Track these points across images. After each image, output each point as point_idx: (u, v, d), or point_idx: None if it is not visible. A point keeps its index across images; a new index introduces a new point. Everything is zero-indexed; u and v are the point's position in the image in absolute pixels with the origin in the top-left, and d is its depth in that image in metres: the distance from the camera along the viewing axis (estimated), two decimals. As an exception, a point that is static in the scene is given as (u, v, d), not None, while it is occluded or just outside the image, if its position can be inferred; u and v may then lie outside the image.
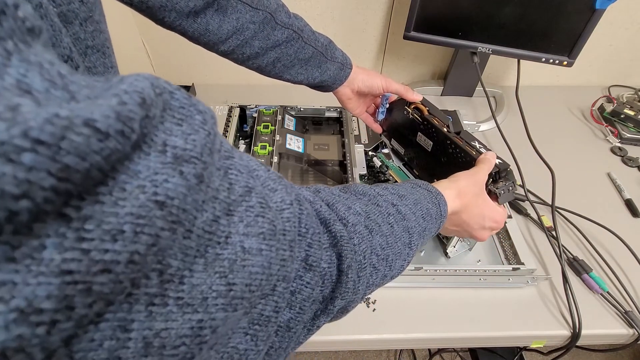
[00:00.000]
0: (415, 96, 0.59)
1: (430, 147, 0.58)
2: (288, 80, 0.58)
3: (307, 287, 0.23)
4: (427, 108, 0.58)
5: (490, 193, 0.51)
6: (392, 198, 0.33)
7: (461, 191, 0.42)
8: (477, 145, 0.52)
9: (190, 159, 0.15)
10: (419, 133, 0.60)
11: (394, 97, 0.63)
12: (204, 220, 0.16)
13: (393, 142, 0.68)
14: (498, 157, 0.50)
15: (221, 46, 0.51)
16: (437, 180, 0.59)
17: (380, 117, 0.68)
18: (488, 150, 0.51)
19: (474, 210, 0.43)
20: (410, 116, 0.60)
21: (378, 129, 0.67)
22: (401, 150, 0.66)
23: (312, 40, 0.55)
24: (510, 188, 0.50)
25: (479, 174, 0.46)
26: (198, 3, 0.46)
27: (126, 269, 0.13)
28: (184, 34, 0.50)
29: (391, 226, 0.30)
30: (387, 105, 0.65)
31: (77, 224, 0.12)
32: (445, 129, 0.54)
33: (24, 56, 0.12)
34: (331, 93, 0.62)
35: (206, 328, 0.16)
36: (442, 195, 0.38)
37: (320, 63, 0.57)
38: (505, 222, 0.65)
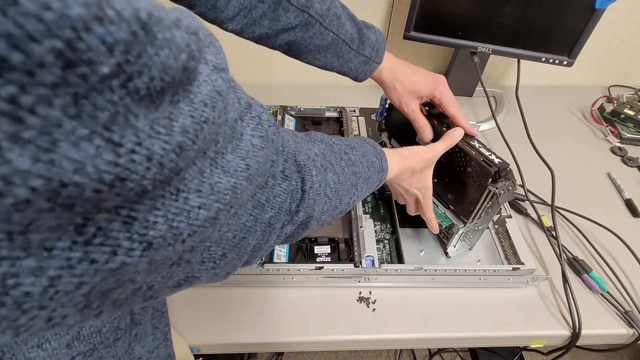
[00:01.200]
0: (474, 130, 0.54)
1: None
2: (310, 64, 0.55)
3: (283, 193, 0.28)
4: (426, 108, 0.58)
5: (489, 193, 0.51)
6: (344, 147, 0.39)
7: (401, 155, 0.48)
8: (477, 145, 0.52)
9: (222, 69, 0.21)
10: None
11: None
12: (231, 116, 0.22)
13: (393, 142, 0.67)
14: (498, 157, 0.50)
15: (229, 24, 0.49)
16: (438, 181, 0.59)
17: (380, 117, 0.68)
18: (488, 149, 0.51)
19: (405, 179, 0.50)
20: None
21: (428, 136, 0.56)
22: None
23: (334, 27, 0.51)
24: (510, 188, 0.50)
25: (430, 150, 0.50)
26: None
27: (206, 134, 0.18)
28: (191, 7, 0.48)
29: (342, 168, 0.36)
30: (387, 105, 0.65)
31: (187, 90, 0.18)
32: (444, 129, 0.54)
33: None
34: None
35: (237, 189, 0.22)
36: (384, 153, 0.44)
37: (340, 52, 0.53)
38: (495, 219, 0.65)
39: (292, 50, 0.53)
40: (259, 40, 0.52)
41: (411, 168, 0.49)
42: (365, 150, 0.41)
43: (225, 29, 0.50)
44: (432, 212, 0.55)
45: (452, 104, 0.54)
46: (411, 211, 0.57)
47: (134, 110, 0.14)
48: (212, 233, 0.22)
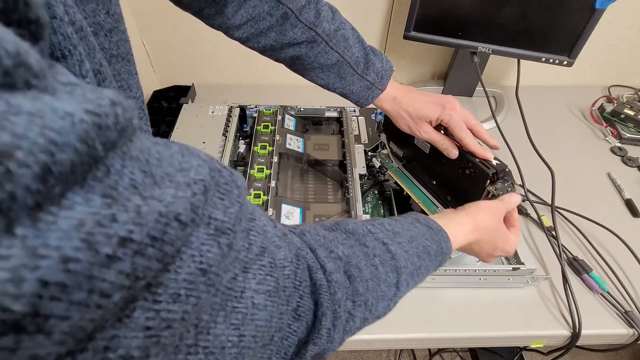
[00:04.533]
0: (486, 153, 0.50)
1: (427, 150, 0.58)
2: (312, 82, 0.54)
3: (293, 335, 0.24)
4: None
5: (488, 194, 0.51)
6: (383, 236, 0.32)
7: (478, 226, 0.42)
8: None
9: (226, 230, 0.18)
10: None
11: None
12: (228, 278, 0.19)
13: (391, 144, 0.67)
14: (496, 158, 0.50)
15: (235, 32, 0.49)
16: (437, 183, 0.59)
17: (379, 117, 0.67)
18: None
19: (487, 245, 0.44)
20: None
21: (454, 153, 0.52)
22: (400, 152, 0.66)
23: (340, 48, 0.50)
24: (509, 189, 0.50)
25: (499, 208, 0.46)
26: None
27: (179, 325, 0.16)
28: (198, 13, 0.48)
29: (376, 268, 0.30)
30: None
31: (154, 289, 0.15)
32: (441, 132, 0.54)
33: (129, 154, 0.15)
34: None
35: None
36: (445, 232, 0.37)
37: (344, 74, 0.52)
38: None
39: (296, 65, 0.53)
40: (263, 51, 0.52)
41: (489, 233, 0.43)
42: (415, 233, 0.35)
43: (231, 37, 0.50)
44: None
45: (460, 128, 0.50)
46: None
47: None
48: None
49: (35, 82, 0.12)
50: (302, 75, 0.54)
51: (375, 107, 0.57)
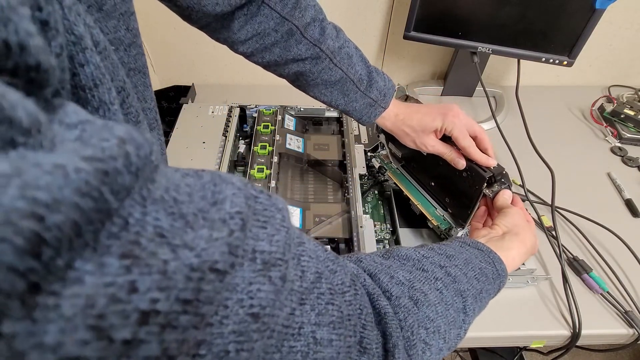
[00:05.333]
0: (489, 161, 0.50)
1: (425, 151, 0.58)
2: (315, 99, 0.54)
3: None
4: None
5: (485, 197, 0.51)
6: (439, 259, 0.30)
7: (529, 248, 0.42)
8: None
9: (276, 262, 0.16)
10: None
11: None
12: (284, 316, 0.17)
13: (390, 145, 0.67)
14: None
15: (240, 47, 0.49)
16: (435, 184, 0.60)
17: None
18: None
19: (524, 256, 0.43)
20: None
21: (462, 164, 0.51)
22: (399, 153, 0.66)
23: (344, 65, 0.50)
24: None
25: (522, 215, 0.46)
26: (226, 8, 0.44)
27: None
28: (205, 27, 0.48)
29: (440, 292, 0.28)
30: None
31: (194, 350, 0.13)
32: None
33: (152, 197, 0.13)
34: None
35: None
36: (495, 253, 0.35)
37: (347, 91, 0.52)
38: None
39: (299, 81, 0.53)
40: (267, 66, 0.52)
41: (520, 244, 0.42)
42: (469, 256, 0.33)
43: (236, 51, 0.50)
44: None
45: (463, 136, 0.49)
46: None
47: None
48: None
49: (23, 139, 0.10)
50: (305, 92, 0.54)
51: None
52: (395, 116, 0.54)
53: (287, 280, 0.17)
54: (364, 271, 0.26)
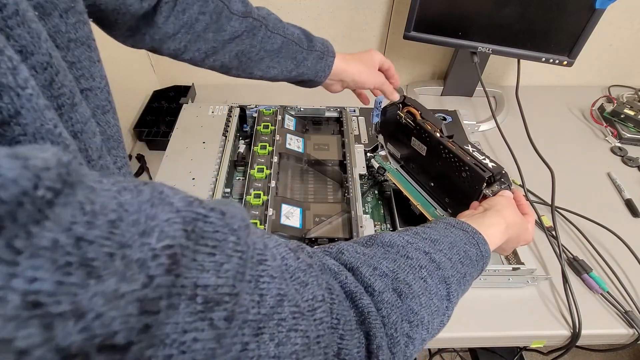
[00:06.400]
0: (393, 96, 0.60)
1: (424, 152, 0.58)
2: (262, 78, 0.52)
3: None
4: (419, 112, 0.57)
5: (485, 197, 0.51)
6: (423, 245, 0.29)
7: (508, 224, 0.41)
8: (470, 149, 0.52)
9: (222, 299, 0.14)
10: (413, 137, 0.59)
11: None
12: (232, 355, 0.14)
13: (389, 145, 0.67)
14: (492, 161, 0.50)
15: (170, 43, 0.45)
16: (435, 185, 0.59)
17: (375, 119, 0.67)
18: (482, 153, 0.51)
19: (514, 240, 0.43)
20: (403, 121, 0.59)
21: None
22: (397, 154, 0.66)
23: (279, 29, 0.49)
24: None
25: (512, 200, 0.47)
26: (152, 2, 0.41)
27: None
28: (129, 34, 0.44)
29: (424, 281, 0.27)
30: (381, 109, 0.65)
31: None
32: (437, 134, 0.54)
33: (36, 245, 0.11)
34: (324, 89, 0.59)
35: None
36: (480, 234, 0.35)
37: (293, 53, 0.50)
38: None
39: (244, 62, 0.50)
40: (207, 57, 0.48)
41: (507, 227, 0.41)
42: (454, 239, 0.32)
43: (167, 50, 0.46)
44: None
45: (393, 67, 0.62)
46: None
47: None
48: None
49: None
50: (253, 73, 0.52)
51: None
52: (343, 58, 0.56)
53: (234, 319, 0.14)
54: (345, 265, 0.25)
